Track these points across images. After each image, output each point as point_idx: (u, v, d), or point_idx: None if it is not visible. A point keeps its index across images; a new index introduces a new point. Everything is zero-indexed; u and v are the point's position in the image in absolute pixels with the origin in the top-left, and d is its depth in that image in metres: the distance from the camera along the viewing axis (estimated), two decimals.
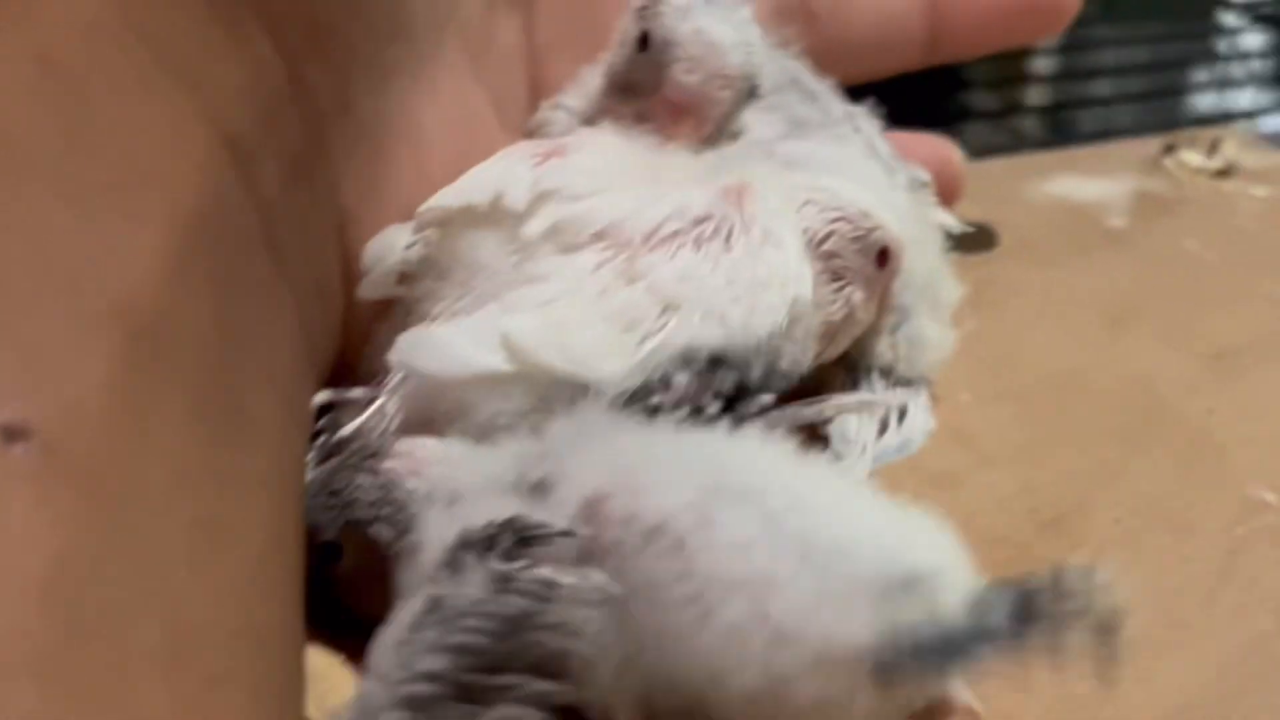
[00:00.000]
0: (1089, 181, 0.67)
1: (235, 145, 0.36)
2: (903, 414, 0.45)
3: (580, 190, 0.42)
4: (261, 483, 0.34)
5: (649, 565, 0.32)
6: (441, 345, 0.39)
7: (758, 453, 0.35)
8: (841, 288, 0.43)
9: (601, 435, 0.36)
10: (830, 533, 0.32)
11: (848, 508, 0.34)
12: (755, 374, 0.40)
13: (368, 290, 0.42)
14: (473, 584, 0.31)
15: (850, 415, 0.43)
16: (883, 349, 0.47)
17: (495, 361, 0.39)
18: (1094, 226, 0.64)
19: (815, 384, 0.46)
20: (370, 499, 0.37)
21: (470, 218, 0.42)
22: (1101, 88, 0.89)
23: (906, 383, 0.47)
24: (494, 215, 0.42)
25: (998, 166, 0.71)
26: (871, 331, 0.46)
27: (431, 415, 0.40)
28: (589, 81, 0.48)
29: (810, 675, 0.30)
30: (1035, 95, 0.87)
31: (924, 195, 0.50)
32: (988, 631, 0.29)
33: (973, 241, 0.59)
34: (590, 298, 0.40)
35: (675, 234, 0.41)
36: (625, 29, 0.46)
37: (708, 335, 0.41)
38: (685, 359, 0.40)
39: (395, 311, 0.42)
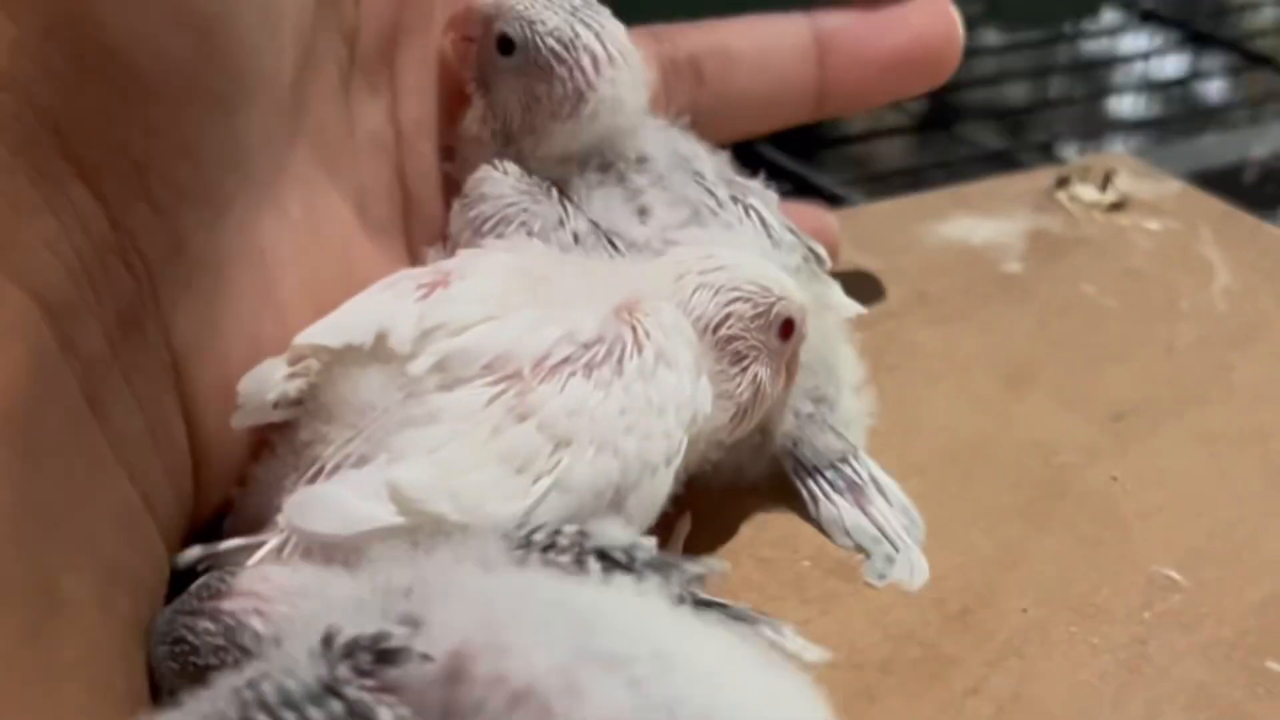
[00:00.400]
0: (983, 222, 0.67)
1: (50, 305, 0.34)
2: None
3: (466, 321, 0.41)
4: (72, 673, 0.33)
5: None
6: (329, 504, 0.39)
7: (630, 611, 0.34)
8: (745, 368, 0.44)
9: (474, 577, 0.35)
10: (697, 703, 0.31)
11: (719, 674, 0.33)
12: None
13: (240, 420, 0.41)
14: (302, 675, 0.30)
15: None
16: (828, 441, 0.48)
17: (385, 515, 0.38)
18: (989, 272, 0.63)
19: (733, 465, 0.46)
20: (213, 644, 0.36)
21: (354, 356, 0.41)
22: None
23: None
24: (379, 354, 0.41)
25: (890, 208, 0.70)
26: (778, 404, 0.47)
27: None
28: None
29: None
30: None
31: (818, 269, 0.50)
32: None
33: (864, 294, 0.58)
34: (480, 438, 0.39)
35: (565, 361, 0.41)
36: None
37: (602, 469, 0.39)
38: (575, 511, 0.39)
39: (279, 453, 0.41)
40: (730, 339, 0.44)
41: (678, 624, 0.35)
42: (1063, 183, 0.69)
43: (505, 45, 0.46)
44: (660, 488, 0.41)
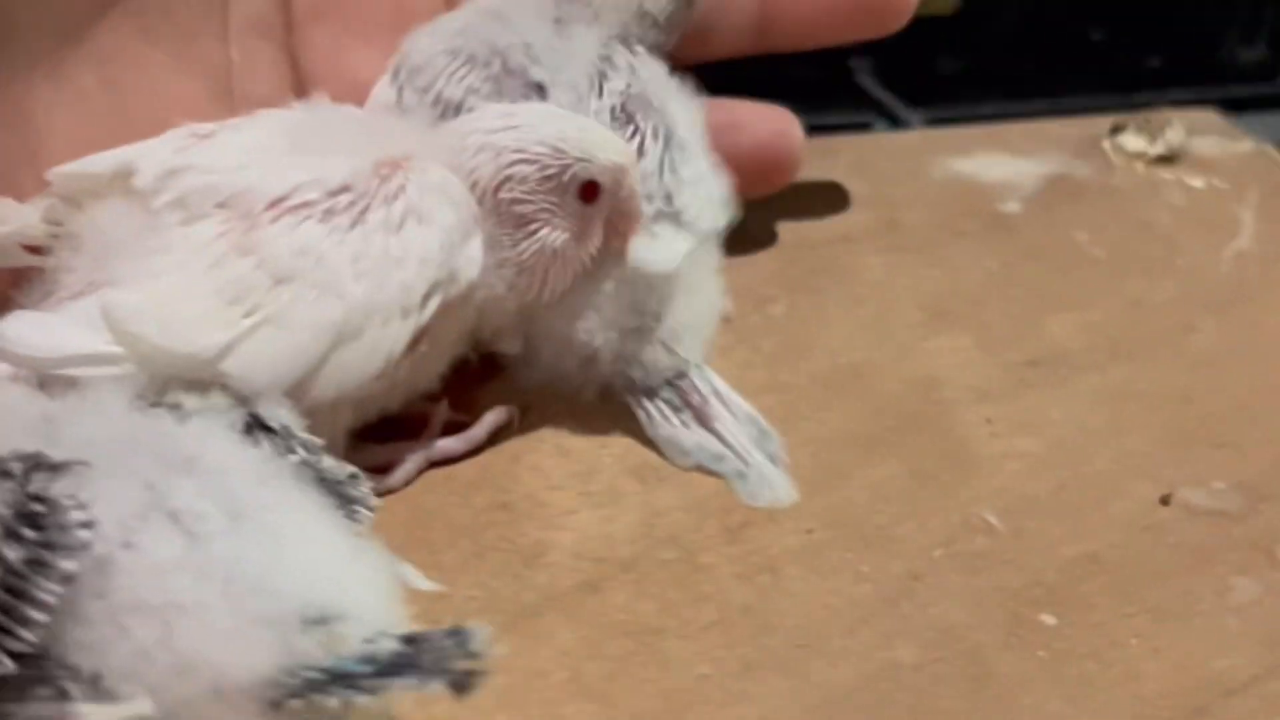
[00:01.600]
0: (1006, 161, 0.63)
1: None
2: None
3: (214, 164, 0.42)
4: None
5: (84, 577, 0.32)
6: (39, 328, 0.40)
7: (222, 467, 0.35)
8: (532, 232, 0.43)
9: (96, 417, 0.36)
10: (259, 564, 0.33)
11: (290, 538, 0.34)
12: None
13: None
14: None
15: None
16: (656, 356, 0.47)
17: (91, 342, 0.39)
18: (981, 211, 0.60)
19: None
20: None
21: (103, 189, 0.42)
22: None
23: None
24: (126, 189, 0.42)
25: (915, 139, 0.67)
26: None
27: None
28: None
29: (207, 705, 0.31)
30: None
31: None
32: (367, 672, 0.31)
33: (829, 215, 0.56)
34: (201, 270, 0.40)
35: (303, 205, 0.41)
36: None
37: (323, 309, 0.40)
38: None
39: (33, 281, 0.42)
40: (512, 202, 0.43)
41: (280, 493, 0.35)
42: (1116, 129, 0.65)
43: None
44: (392, 338, 0.41)
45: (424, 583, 0.37)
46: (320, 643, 0.31)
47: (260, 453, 0.37)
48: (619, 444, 0.47)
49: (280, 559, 0.33)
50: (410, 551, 0.40)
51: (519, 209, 0.43)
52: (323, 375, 0.41)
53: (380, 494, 0.43)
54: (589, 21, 0.50)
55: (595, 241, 0.45)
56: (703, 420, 0.46)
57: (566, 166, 0.43)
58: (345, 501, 0.37)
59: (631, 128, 0.47)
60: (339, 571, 0.34)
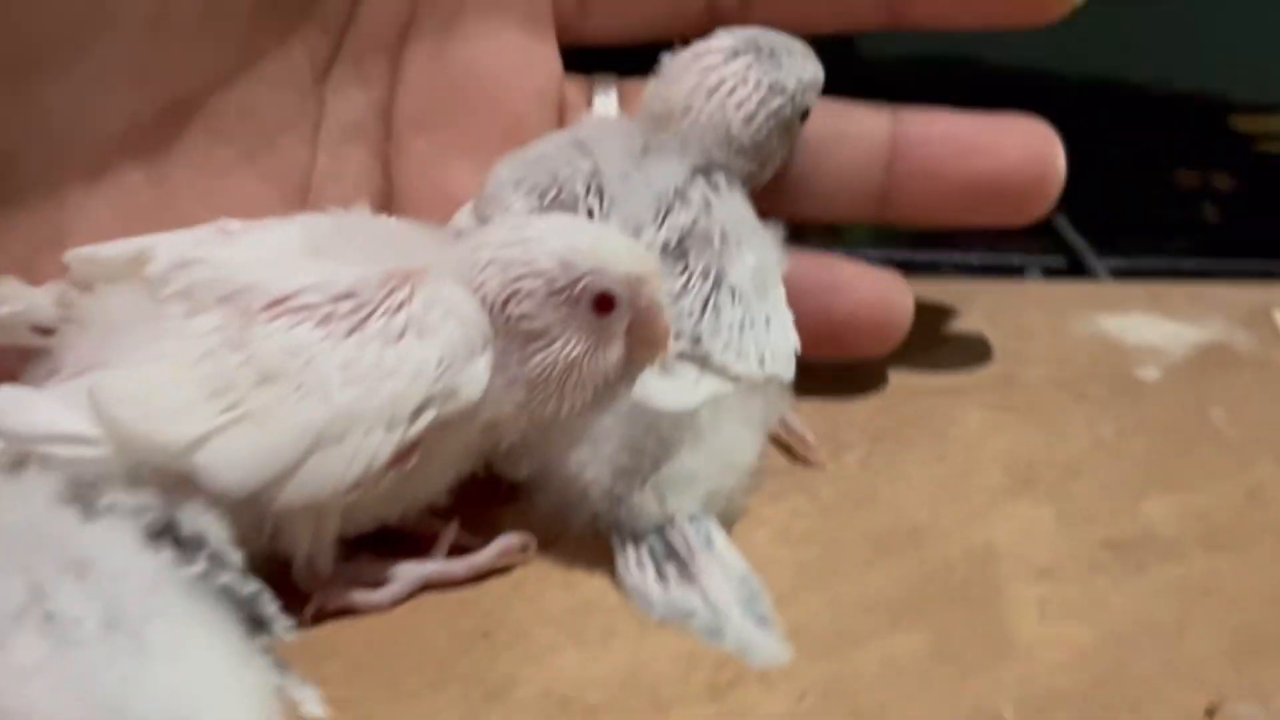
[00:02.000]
0: (1159, 323, 0.59)
1: None
2: None
3: (228, 260, 0.42)
4: None
5: None
6: (27, 402, 0.41)
7: (115, 573, 0.35)
8: (542, 348, 0.42)
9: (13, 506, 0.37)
10: (121, 678, 0.33)
11: (161, 652, 0.34)
12: None
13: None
14: None
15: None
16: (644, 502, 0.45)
17: (75, 422, 0.40)
18: (1113, 375, 0.56)
19: None
20: None
21: (117, 274, 0.43)
22: None
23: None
24: (139, 276, 0.43)
25: (1062, 290, 0.63)
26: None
27: None
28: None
29: None
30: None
31: None
32: None
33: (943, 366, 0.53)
34: (191, 362, 0.40)
35: (303, 307, 0.41)
36: None
37: (304, 412, 0.39)
38: None
39: (41, 359, 0.43)
40: (520, 317, 0.42)
41: (168, 605, 0.35)
42: None
43: None
44: (374, 449, 0.40)
45: (316, 708, 0.36)
46: None
47: (159, 561, 0.36)
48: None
49: (145, 674, 0.33)
50: (368, 672, 0.40)
51: (527, 325, 0.42)
52: (297, 478, 0.40)
53: (366, 611, 0.43)
54: (676, 150, 0.48)
55: (615, 354, 0.43)
56: (685, 575, 0.44)
57: (577, 279, 0.42)
58: (253, 620, 0.36)
59: (682, 264, 0.46)
60: (206, 691, 0.33)
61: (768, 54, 0.48)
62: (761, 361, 0.46)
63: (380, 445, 0.41)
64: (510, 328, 0.42)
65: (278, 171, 0.49)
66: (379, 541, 0.44)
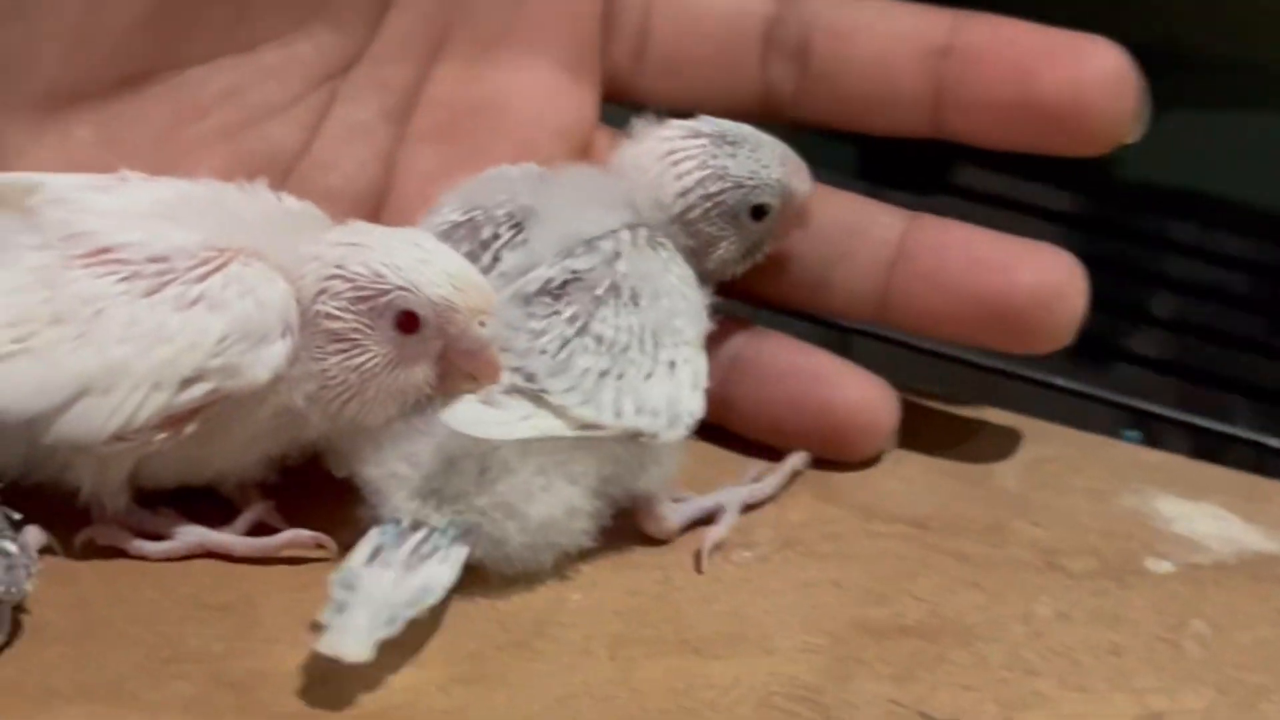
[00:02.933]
0: (1217, 514, 0.50)
1: None
2: None
3: (90, 207, 0.44)
4: None
5: None
6: None
7: None
8: (341, 350, 0.43)
9: None
10: None
11: None
12: None
13: None
14: None
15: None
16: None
17: None
18: (1123, 563, 0.48)
19: None
20: None
21: (7, 201, 0.46)
22: None
23: None
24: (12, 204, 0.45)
25: (1135, 456, 0.55)
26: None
27: None
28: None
29: None
30: None
31: None
32: None
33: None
34: (5, 290, 0.43)
35: (117, 262, 0.43)
36: None
37: (78, 357, 0.42)
38: None
39: None
40: (325, 315, 0.43)
41: None
42: None
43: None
44: (135, 406, 0.42)
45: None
46: None
47: None
48: None
49: None
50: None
51: (329, 324, 0.43)
52: (62, 419, 0.42)
53: (134, 555, 0.45)
54: (618, 204, 0.48)
55: (422, 374, 0.43)
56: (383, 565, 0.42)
57: (384, 292, 0.42)
58: None
59: (552, 307, 0.45)
60: None
61: (730, 143, 0.48)
62: (620, 414, 0.44)
63: (144, 404, 0.42)
64: (315, 323, 0.43)
65: (258, 153, 0.50)
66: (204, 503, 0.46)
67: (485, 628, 0.44)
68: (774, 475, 0.49)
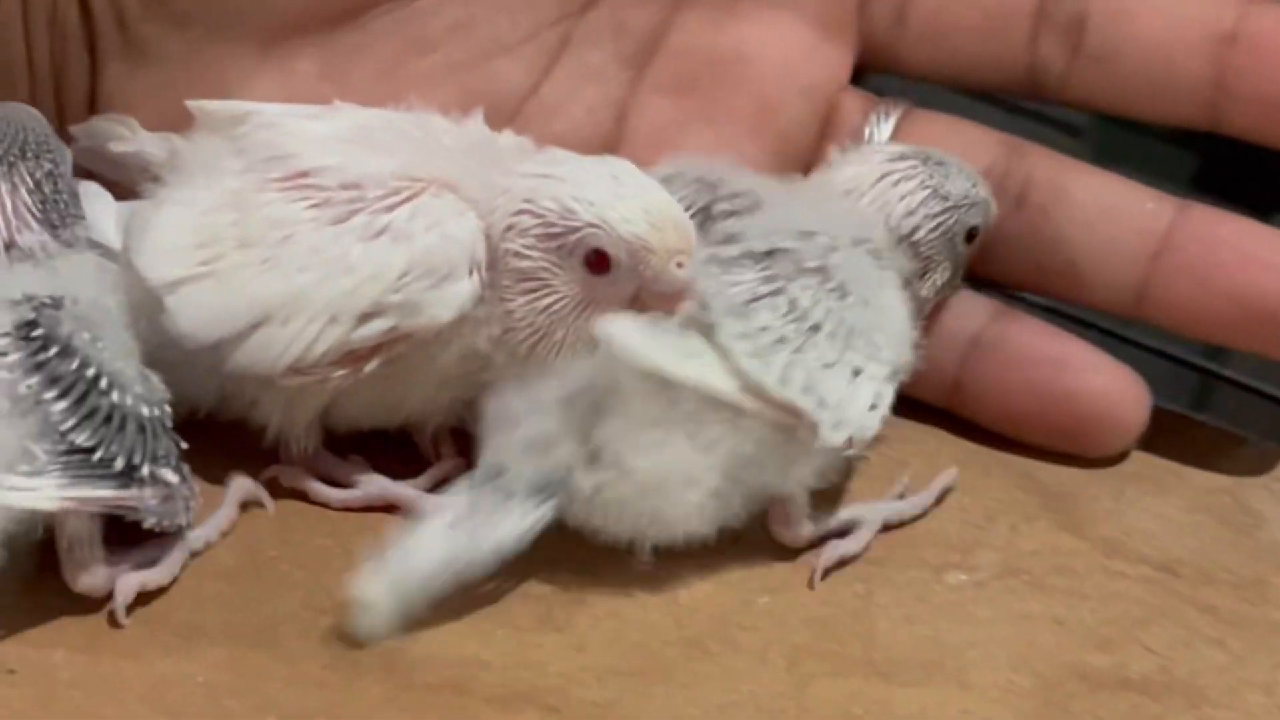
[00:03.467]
0: None
1: None
2: None
3: (295, 132, 0.43)
4: None
5: None
6: (103, 209, 0.44)
7: None
8: (529, 289, 0.40)
9: None
10: None
11: None
12: None
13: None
14: None
15: None
16: None
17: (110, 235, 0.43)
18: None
19: None
20: None
21: (220, 128, 0.44)
22: None
23: None
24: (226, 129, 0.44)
25: None
26: None
27: None
28: None
29: None
30: None
31: None
32: None
33: None
34: (196, 209, 0.42)
35: (311, 187, 0.42)
36: None
37: (262, 282, 0.40)
38: None
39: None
40: (513, 253, 0.40)
41: None
42: None
43: None
44: (312, 338, 0.40)
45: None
46: None
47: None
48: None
49: None
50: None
51: (516, 262, 0.40)
52: (243, 347, 0.40)
53: (315, 500, 0.43)
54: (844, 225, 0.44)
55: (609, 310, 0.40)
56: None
57: (573, 230, 0.39)
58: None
59: (747, 268, 0.41)
60: None
61: (938, 164, 0.45)
62: (786, 383, 0.39)
63: (320, 337, 0.40)
64: (503, 260, 0.40)
65: (484, 91, 0.47)
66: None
67: (659, 619, 0.40)
68: (922, 494, 0.44)
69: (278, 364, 0.40)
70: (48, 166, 0.42)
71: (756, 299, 0.40)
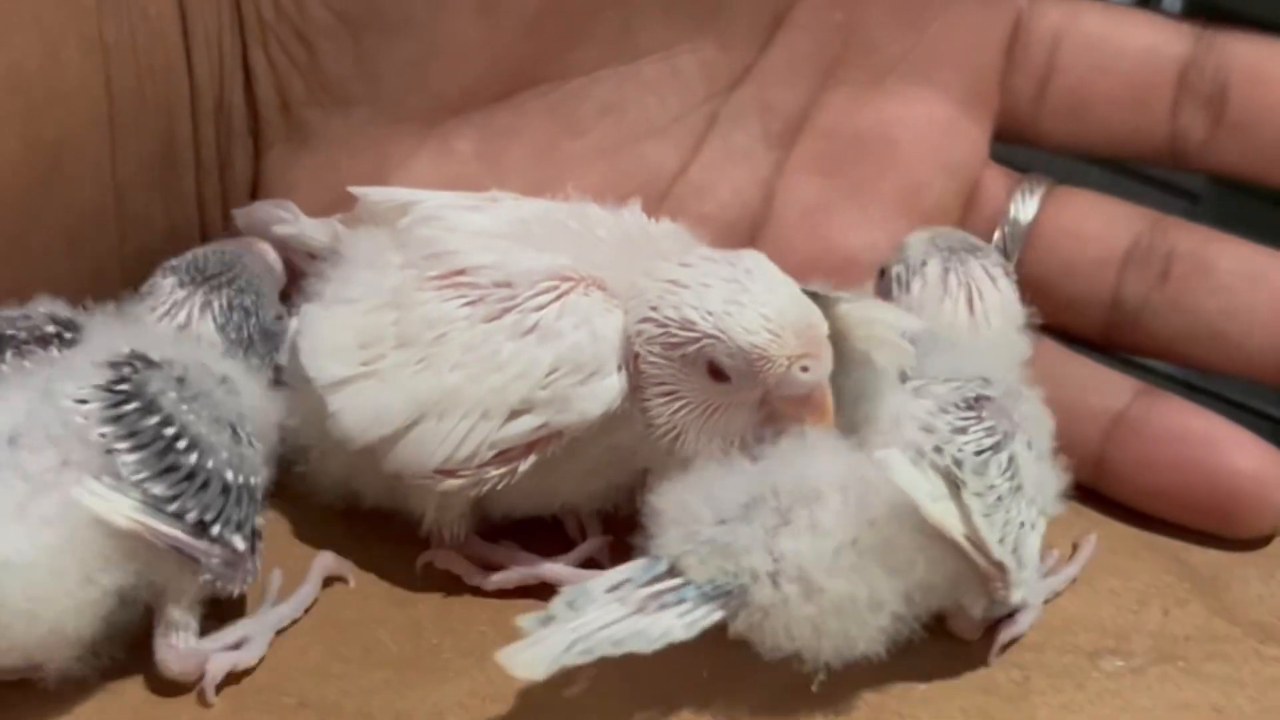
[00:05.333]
0: None
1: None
2: None
3: (456, 226, 0.44)
4: None
5: None
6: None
7: None
8: (659, 394, 0.41)
9: None
10: None
11: None
12: None
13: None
14: None
15: None
16: None
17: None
18: None
19: None
20: None
21: (383, 218, 0.46)
22: None
23: None
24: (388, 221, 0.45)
25: None
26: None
27: None
28: None
29: None
30: None
31: None
32: None
33: None
34: (359, 309, 0.43)
35: (466, 285, 0.42)
36: None
37: (419, 381, 0.41)
38: None
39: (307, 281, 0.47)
40: (643, 358, 0.41)
41: None
42: None
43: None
44: (468, 432, 0.41)
45: None
46: None
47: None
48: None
49: None
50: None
51: (648, 366, 0.41)
52: (400, 445, 0.41)
53: (469, 584, 0.44)
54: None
55: (740, 420, 0.41)
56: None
57: (693, 340, 0.40)
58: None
59: (965, 413, 0.42)
60: None
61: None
62: (1003, 542, 0.40)
63: (472, 433, 0.41)
64: (637, 363, 0.41)
65: (634, 174, 0.49)
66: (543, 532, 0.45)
67: (819, 704, 0.41)
68: (1070, 565, 0.45)
69: (431, 461, 0.41)
70: (247, 302, 0.44)
71: (983, 453, 0.40)
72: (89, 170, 0.45)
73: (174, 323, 0.43)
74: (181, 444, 0.39)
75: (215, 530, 0.39)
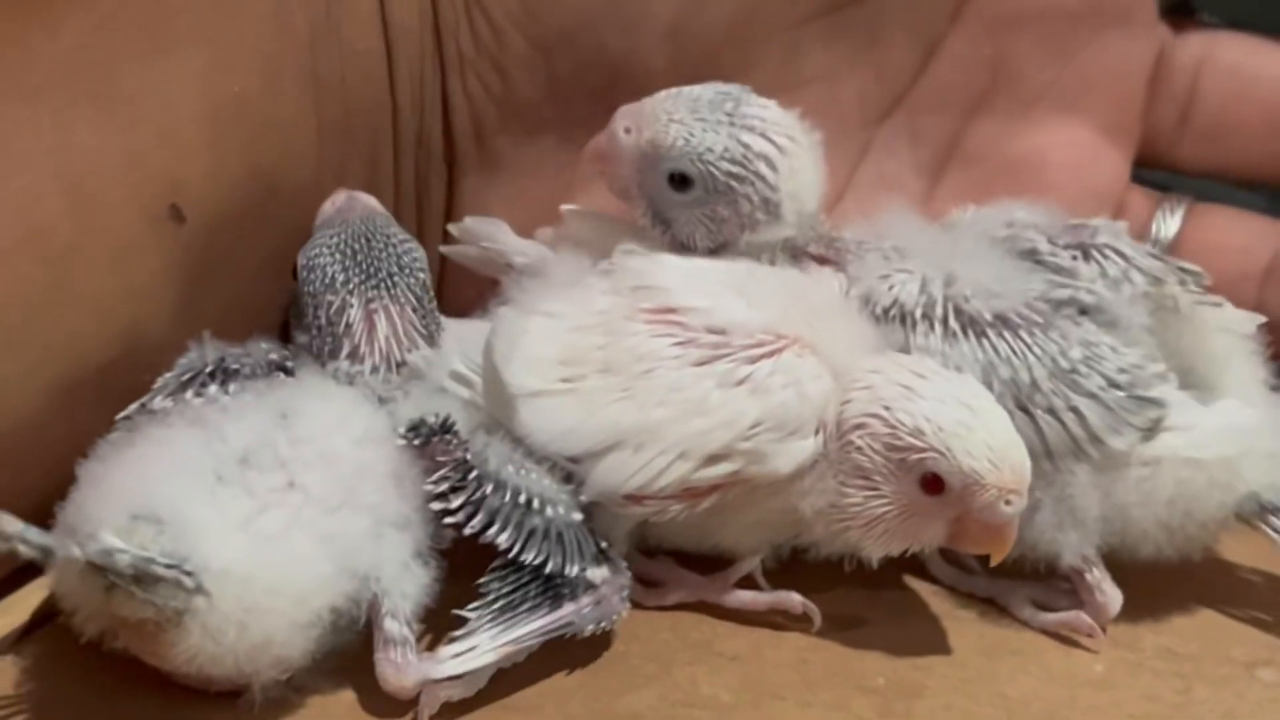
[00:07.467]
0: None
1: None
2: None
3: (665, 260, 0.46)
4: None
5: None
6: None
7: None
8: (862, 487, 0.43)
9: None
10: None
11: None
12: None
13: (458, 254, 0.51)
14: None
15: None
16: None
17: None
18: None
19: None
20: None
21: (586, 238, 0.48)
22: None
23: None
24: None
25: None
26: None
27: None
28: None
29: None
30: None
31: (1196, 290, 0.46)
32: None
33: None
34: (566, 324, 0.45)
35: (678, 325, 0.44)
36: None
37: (618, 410, 0.43)
38: None
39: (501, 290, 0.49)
40: (857, 449, 0.42)
41: None
42: None
43: (680, 182, 0.45)
44: (660, 470, 0.42)
45: None
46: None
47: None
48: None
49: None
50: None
51: (858, 458, 0.42)
52: (595, 470, 0.43)
53: (635, 604, 0.45)
54: None
55: (932, 531, 0.43)
56: None
57: (918, 449, 0.41)
58: None
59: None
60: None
61: None
62: None
63: (668, 470, 0.42)
64: (846, 449, 0.42)
65: None
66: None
67: (991, 713, 0.43)
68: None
69: (624, 488, 0.43)
70: (421, 276, 0.46)
71: None
72: (298, 197, 0.47)
73: None
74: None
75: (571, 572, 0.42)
